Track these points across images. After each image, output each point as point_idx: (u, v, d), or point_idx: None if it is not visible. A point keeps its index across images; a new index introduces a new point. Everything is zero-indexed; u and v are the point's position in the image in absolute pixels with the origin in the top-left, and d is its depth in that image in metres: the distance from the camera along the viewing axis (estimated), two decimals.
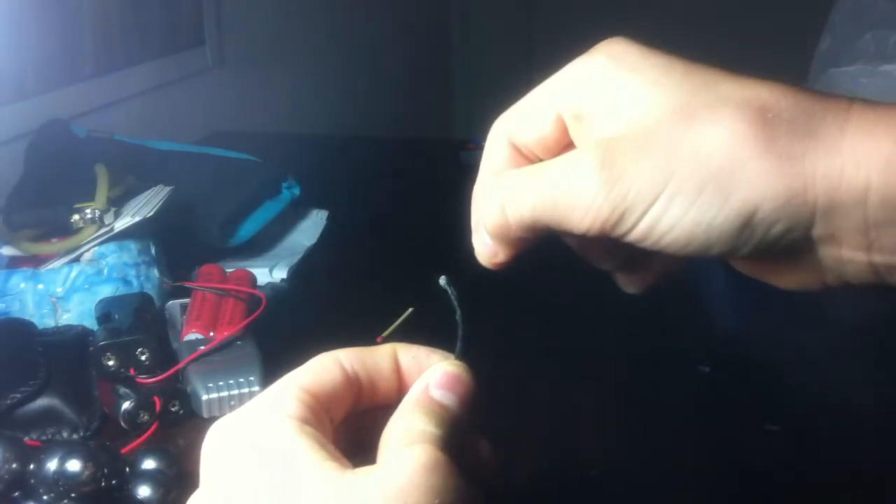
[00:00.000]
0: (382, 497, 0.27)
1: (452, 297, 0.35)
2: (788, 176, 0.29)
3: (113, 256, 0.64)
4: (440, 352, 0.34)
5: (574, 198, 0.31)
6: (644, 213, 0.30)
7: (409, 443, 0.29)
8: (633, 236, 0.31)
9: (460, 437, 0.31)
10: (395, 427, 0.30)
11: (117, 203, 0.69)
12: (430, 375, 0.32)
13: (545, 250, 0.53)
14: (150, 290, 0.64)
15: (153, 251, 0.67)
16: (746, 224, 0.30)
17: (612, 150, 0.30)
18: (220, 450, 0.30)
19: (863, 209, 0.29)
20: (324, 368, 0.32)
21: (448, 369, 0.32)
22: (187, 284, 0.65)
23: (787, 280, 0.33)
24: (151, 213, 0.66)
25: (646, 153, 0.30)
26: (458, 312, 0.34)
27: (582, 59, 0.33)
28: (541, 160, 0.35)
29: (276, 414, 0.30)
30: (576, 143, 0.33)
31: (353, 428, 0.32)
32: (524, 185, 0.33)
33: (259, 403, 0.30)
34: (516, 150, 0.35)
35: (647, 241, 0.31)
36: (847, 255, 0.30)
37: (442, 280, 0.36)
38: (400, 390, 0.33)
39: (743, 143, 0.29)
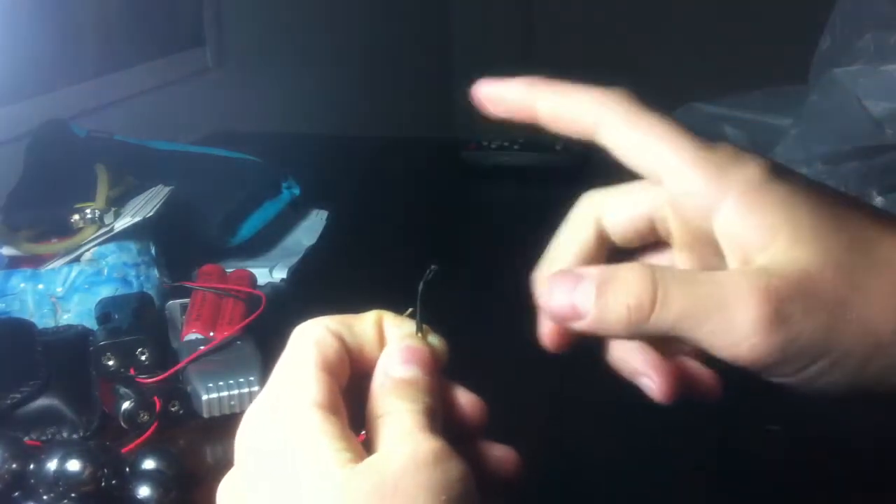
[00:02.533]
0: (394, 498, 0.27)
1: (424, 280, 0.35)
2: None
3: (113, 256, 0.64)
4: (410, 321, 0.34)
5: (728, 323, 0.29)
6: (803, 367, 0.30)
7: (400, 435, 0.29)
8: (781, 380, 0.31)
9: (438, 401, 0.31)
10: (380, 418, 0.30)
11: (117, 203, 0.69)
12: (387, 358, 0.32)
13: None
14: (150, 290, 0.64)
15: (153, 251, 0.67)
16: None
17: (777, 290, 0.29)
18: (252, 438, 0.30)
19: None
20: (325, 342, 0.32)
21: (402, 345, 0.33)
22: (187, 284, 0.65)
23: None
24: (151, 213, 0.66)
25: (814, 309, 0.30)
26: (421, 288, 0.35)
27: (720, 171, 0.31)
28: (617, 248, 0.34)
29: (302, 402, 0.29)
30: (689, 243, 0.33)
31: (346, 396, 0.32)
32: (675, 291, 0.30)
33: (286, 389, 0.30)
34: (600, 234, 0.35)
35: (793, 385, 0.31)
36: None
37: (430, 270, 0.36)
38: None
39: None
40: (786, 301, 0.29)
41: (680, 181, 0.31)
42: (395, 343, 0.33)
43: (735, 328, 0.29)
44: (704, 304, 0.30)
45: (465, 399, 0.33)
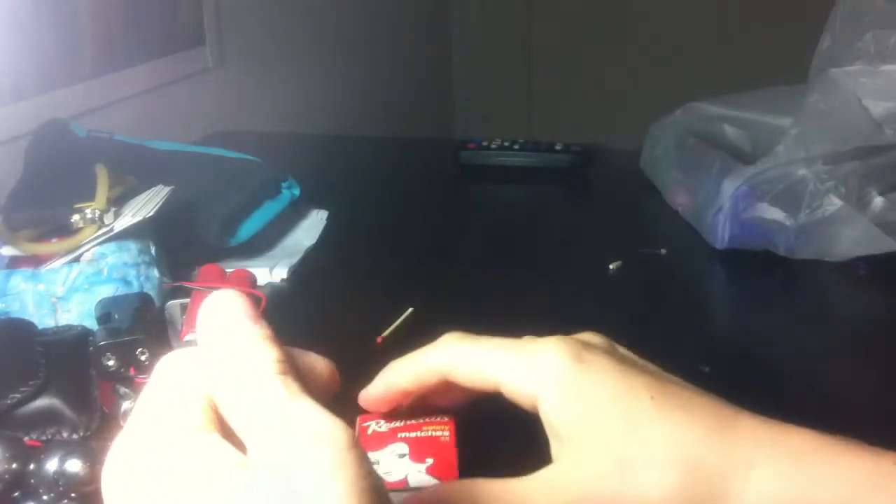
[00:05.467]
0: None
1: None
2: None
3: (113, 256, 0.64)
4: None
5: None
6: None
7: (283, 436, 0.28)
8: None
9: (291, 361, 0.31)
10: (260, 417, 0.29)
11: (117, 203, 0.69)
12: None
13: (545, 252, 0.53)
14: (150, 290, 0.64)
15: (153, 251, 0.67)
16: None
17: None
18: (135, 469, 0.30)
19: None
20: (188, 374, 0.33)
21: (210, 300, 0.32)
22: (187, 284, 0.65)
23: None
24: (151, 213, 0.66)
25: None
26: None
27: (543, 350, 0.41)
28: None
29: (190, 426, 0.30)
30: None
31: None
32: None
33: (165, 420, 0.31)
34: (443, 376, 0.43)
35: None
36: None
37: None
38: None
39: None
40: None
41: (510, 390, 0.41)
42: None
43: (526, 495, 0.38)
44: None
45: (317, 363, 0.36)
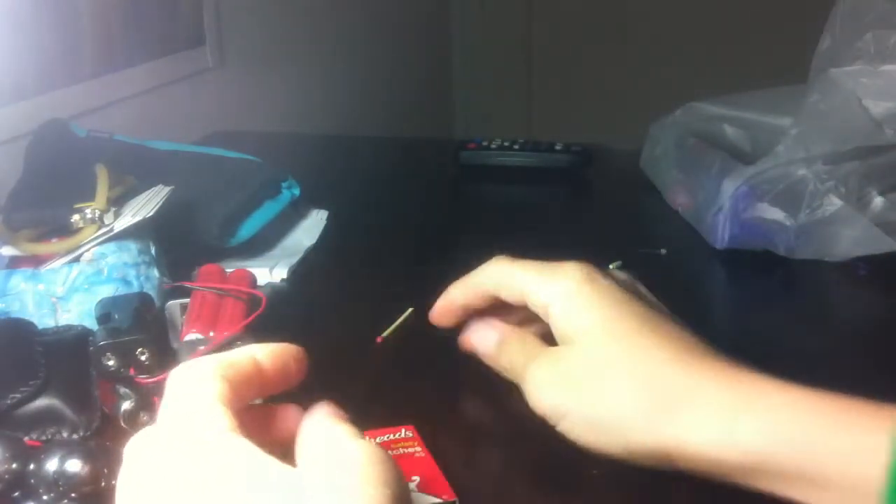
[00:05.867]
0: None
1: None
2: None
3: (113, 256, 0.64)
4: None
5: (528, 387, 0.50)
6: (558, 422, 0.48)
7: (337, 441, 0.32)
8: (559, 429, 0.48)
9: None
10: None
11: (117, 203, 0.69)
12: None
13: (545, 252, 0.53)
14: (150, 290, 0.64)
15: (153, 251, 0.67)
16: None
17: (551, 374, 0.49)
18: (162, 471, 0.31)
19: None
20: (218, 376, 0.35)
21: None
22: (187, 284, 0.65)
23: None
24: (151, 213, 0.66)
25: (566, 387, 0.48)
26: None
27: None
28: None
29: (221, 429, 0.32)
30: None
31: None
32: (521, 359, 0.51)
33: (193, 422, 0.32)
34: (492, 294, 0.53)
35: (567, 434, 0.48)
36: None
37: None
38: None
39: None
40: (556, 384, 0.47)
41: (531, 303, 0.50)
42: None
43: (529, 392, 0.49)
44: (525, 374, 0.50)
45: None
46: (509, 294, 0.51)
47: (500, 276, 0.52)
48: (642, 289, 0.52)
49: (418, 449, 0.47)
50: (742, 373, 0.44)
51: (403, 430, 0.48)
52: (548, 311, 0.49)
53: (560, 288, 0.48)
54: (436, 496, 0.43)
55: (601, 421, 0.45)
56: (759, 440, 0.41)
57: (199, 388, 0.34)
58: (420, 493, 0.43)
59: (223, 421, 0.32)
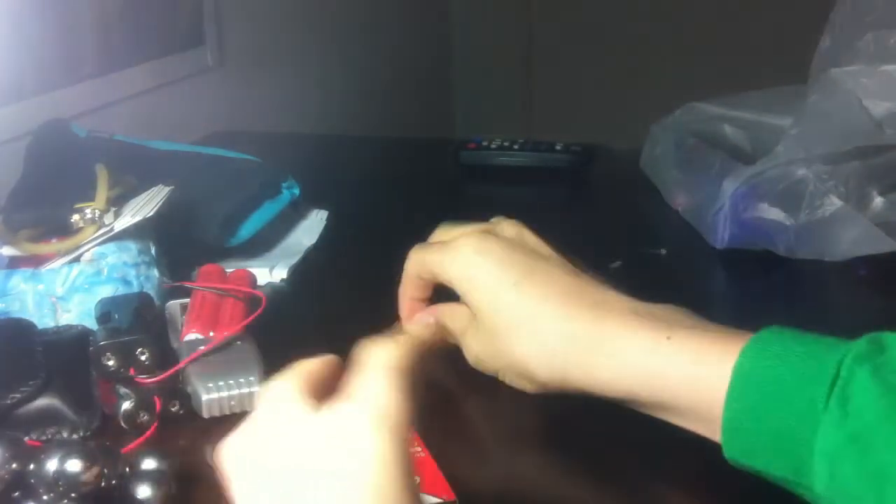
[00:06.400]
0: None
1: None
2: None
3: (113, 256, 0.64)
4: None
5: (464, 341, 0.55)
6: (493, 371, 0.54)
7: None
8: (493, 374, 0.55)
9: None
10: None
11: (117, 203, 0.69)
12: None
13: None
14: (150, 290, 0.64)
15: (153, 251, 0.67)
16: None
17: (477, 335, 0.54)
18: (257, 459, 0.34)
19: None
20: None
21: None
22: (187, 284, 0.65)
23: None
24: (151, 213, 0.66)
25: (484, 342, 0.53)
26: None
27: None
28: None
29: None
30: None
31: None
32: (459, 324, 0.56)
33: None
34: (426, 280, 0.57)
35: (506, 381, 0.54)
36: None
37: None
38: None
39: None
40: (482, 349, 0.54)
41: (441, 279, 0.55)
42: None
43: (469, 360, 0.55)
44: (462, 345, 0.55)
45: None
46: (430, 278, 0.56)
47: (416, 264, 0.56)
48: (531, 240, 0.55)
49: (418, 449, 0.47)
50: (611, 315, 0.48)
51: None
52: (454, 286, 0.53)
53: (455, 265, 0.53)
54: (436, 496, 0.43)
55: (520, 371, 0.51)
56: (616, 381, 0.47)
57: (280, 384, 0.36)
58: (420, 494, 0.43)
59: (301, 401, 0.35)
